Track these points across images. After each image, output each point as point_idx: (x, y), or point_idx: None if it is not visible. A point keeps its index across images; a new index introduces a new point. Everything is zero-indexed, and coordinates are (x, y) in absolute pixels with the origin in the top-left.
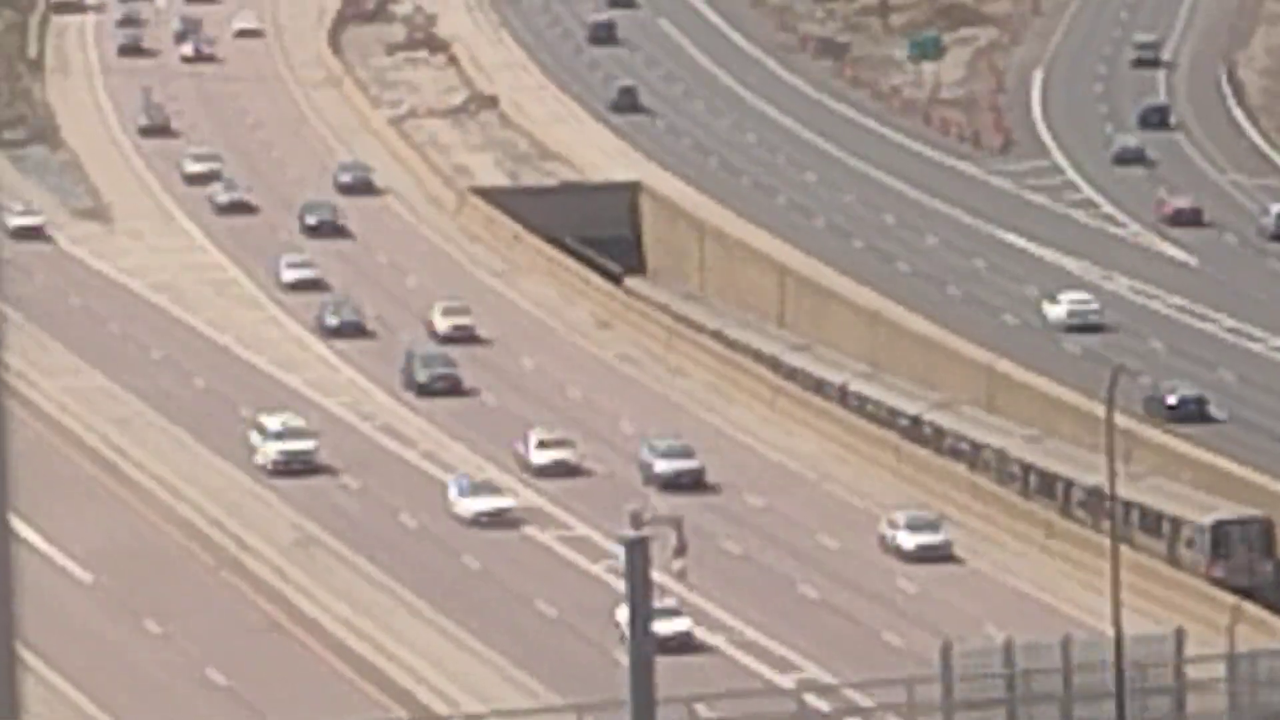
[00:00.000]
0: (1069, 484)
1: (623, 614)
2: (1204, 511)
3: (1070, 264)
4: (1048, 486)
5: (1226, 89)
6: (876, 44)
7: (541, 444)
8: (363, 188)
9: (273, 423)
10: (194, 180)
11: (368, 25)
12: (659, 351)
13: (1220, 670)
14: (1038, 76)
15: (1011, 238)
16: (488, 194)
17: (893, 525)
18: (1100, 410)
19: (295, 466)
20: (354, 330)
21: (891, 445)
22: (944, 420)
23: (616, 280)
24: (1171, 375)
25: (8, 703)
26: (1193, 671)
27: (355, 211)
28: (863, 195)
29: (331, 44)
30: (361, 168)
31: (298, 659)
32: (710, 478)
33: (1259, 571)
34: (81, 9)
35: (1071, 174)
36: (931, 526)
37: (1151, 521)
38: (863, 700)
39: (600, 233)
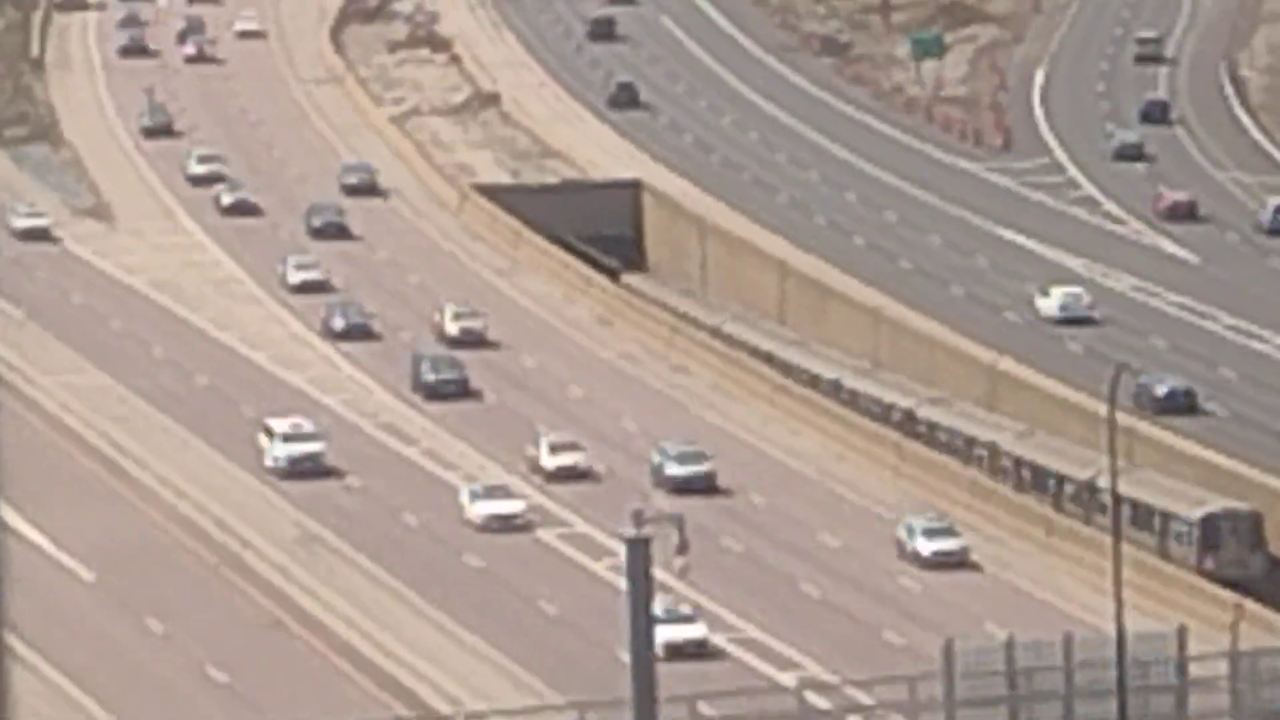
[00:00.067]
0: (1061, 479)
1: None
2: (1194, 505)
3: (1071, 261)
4: (1040, 481)
5: (1228, 87)
6: (878, 42)
7: (553, 448)
8: (367, 189)
9: (281, 426)
10: (198, 181)
11: (369, 23)
12: (660, 349)
13: (1222, 668)
14: (1039, 74)
15: (1012, 235)
16: (489, 192)
17: (910, 531)
18: (1101, 408)
19: (304, 469)
20: (361, 333)
21: (893, 444)
22: (937, 415)
23: (613, 276)
24: (1172, 372)
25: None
26: (1195, 669)
27: (360, 213)
28: (864, 193)
29: (333, 42)
30: (366, 169)
31: (299, 657)
32: (722, 481)
33: (1248, 564)
34: (83, 6)
35: (1073, 171)
36: (949, 533)
37: (1142, 515)
38: (865, 698)
39: (602, 230)
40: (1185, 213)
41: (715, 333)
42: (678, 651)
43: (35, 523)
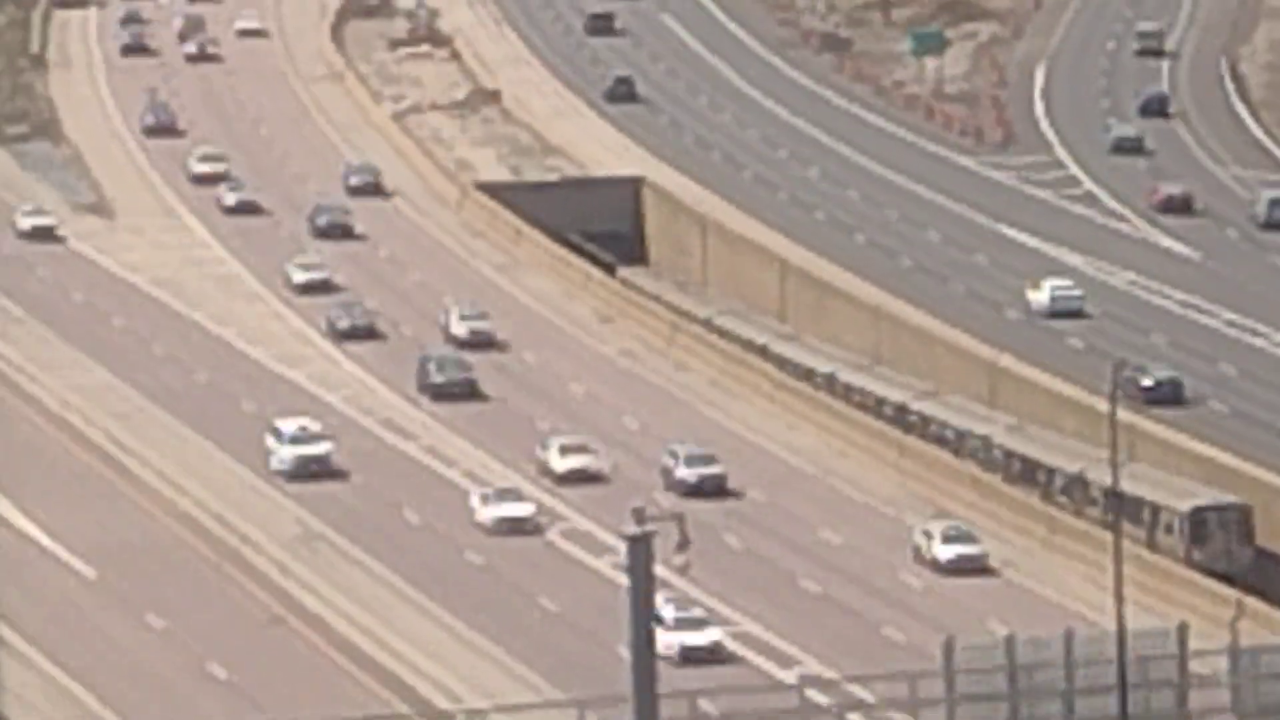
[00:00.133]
0: (1051, 471)
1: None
2: (1183, 498)
3: (1071, 257)
4: (1030, 473)
5: (1229, 83)
6: (879, 39)
7: (564, 450)
8: (371, 190)
9: (288, 427)
10: (201, 181)
11: (370, 20)
12: (661, 346)
13: (1223, 664)
14: (1040, 71)
15: (1013, 232)
16: (490, 189)
17: (928, 536)
18: (1096, 402)
19: (311, 470)
20: (366, 333)
21: (893, 440)
22: (929, 408)
23: (609, 270)
24: (1174, 369)
25: None
26: (1195, 666)
27: (365, 213)
28: (864, 190)
29: (334, 39)
30: (370, 170)
31: (299, 653)
32: (732, 483)
33: (1237, 557)
34: (84, 4)
35: (1073, 168)
36: (967, 538)
37: (1131, 508)
38: (865, 695)
39: (602, 227)
40: (1179, 205)
41: (708, 326)
42: (691, 656)
43: (36, 519)
